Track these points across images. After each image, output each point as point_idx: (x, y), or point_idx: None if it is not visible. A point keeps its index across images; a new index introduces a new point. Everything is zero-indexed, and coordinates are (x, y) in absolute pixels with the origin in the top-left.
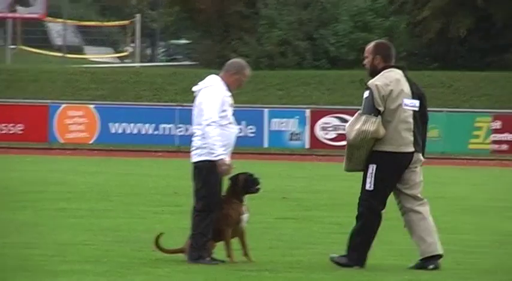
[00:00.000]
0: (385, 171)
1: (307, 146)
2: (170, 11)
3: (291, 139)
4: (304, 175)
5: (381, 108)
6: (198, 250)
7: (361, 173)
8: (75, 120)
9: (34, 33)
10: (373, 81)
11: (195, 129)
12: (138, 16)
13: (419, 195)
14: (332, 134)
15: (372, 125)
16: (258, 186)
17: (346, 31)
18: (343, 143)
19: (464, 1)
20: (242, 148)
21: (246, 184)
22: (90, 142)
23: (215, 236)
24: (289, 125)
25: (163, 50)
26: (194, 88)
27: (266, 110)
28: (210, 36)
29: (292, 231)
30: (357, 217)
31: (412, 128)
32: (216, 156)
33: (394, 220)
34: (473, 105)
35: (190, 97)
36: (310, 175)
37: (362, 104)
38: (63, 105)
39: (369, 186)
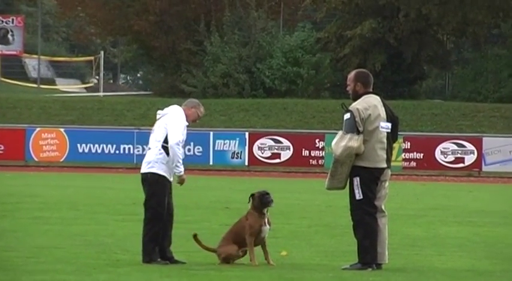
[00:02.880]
0: (366, 181)
1: (246, 163)
2: (129, 48)
3: (232, 157)
4: (244, 188)
5: (361, 129)
6: (149, 254)
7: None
8: (48, 142)
9: (13, 68)
10: (354, 105)
11: (151, 145)
12: (101, 53)
13: (382, 207)
14: (268, 153)
15: (355, 142)
16: (271, 199)
17: (279, 66)
18: (277, 160)
19: (378, 40)
20: (191, 165)
21: (261, 200)
22: (61, 160)
23: (241, 244)
24: (231, 145)
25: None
26: (160, 111)
27: (211, 132)
28: (163, 70)
29: None
30: (356, 225)
31: (386, 147)
32: (179, 172)
33: (320, 226)
34: None
35: (147, 122)
36: (249, 188)
37: (343, 124)
38: (38, 129)
39: (359, 196)
